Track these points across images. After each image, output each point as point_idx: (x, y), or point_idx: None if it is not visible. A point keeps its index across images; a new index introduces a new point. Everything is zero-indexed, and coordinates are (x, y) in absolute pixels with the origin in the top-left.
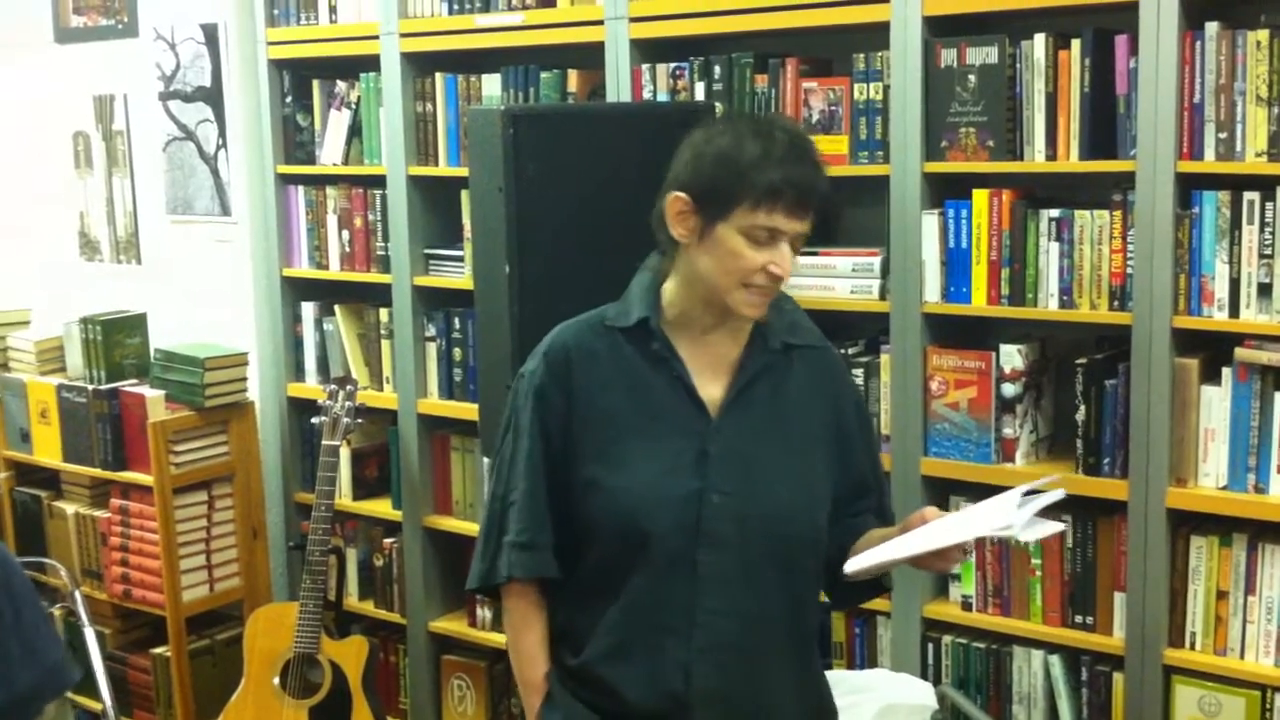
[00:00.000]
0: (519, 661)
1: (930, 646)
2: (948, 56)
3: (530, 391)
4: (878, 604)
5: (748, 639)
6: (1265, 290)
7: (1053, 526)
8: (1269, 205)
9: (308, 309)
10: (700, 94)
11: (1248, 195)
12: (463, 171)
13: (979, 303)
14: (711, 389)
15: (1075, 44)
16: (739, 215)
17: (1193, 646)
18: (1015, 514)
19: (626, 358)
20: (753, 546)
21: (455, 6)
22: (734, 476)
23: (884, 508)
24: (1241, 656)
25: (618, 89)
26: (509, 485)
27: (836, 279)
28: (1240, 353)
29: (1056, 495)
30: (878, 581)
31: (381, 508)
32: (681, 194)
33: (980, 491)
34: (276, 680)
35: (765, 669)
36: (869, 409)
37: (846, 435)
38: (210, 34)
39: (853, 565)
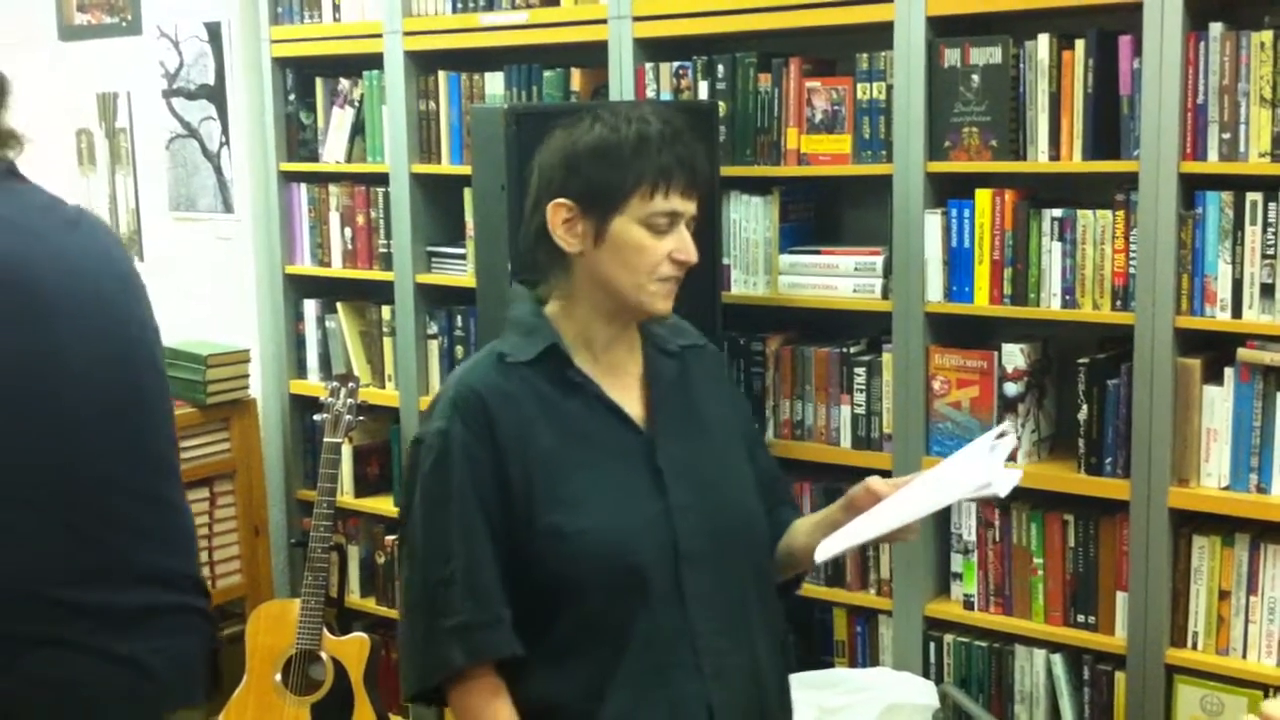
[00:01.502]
0: None
1: (932, 645)
2: (951, 56)
3: (451, 454)
4: (879, 603)
5: (742, 653)
6: (1268, 291)
7: (1016, 474)
8: (1272, 206)
9: (310, 306)
10: (704, 93)
11: (1251, 196)
12: (465, 170)
13: (981, 302)
14: (630, 405)
15: (1079, 44)
16: (635, 205)
17: (1195, 646)
18: (991, 469)
19: (541, 391)
20: (724, 556)
21: (459, 5)
22: (691, 488)
23: (791, 495)
24: (1244, 656)
25: (621, 88)
26: (432, 565)
27: (839, 278)
28: (1243, 353)
29: (1013, 441)
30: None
31: (383, 505)
32: (564, 200)
33: None
34: (278, 677)
35: (760, 678)
36: (870, 409)
37: (748, 428)
38: (214, 32)
39: (825, 551)
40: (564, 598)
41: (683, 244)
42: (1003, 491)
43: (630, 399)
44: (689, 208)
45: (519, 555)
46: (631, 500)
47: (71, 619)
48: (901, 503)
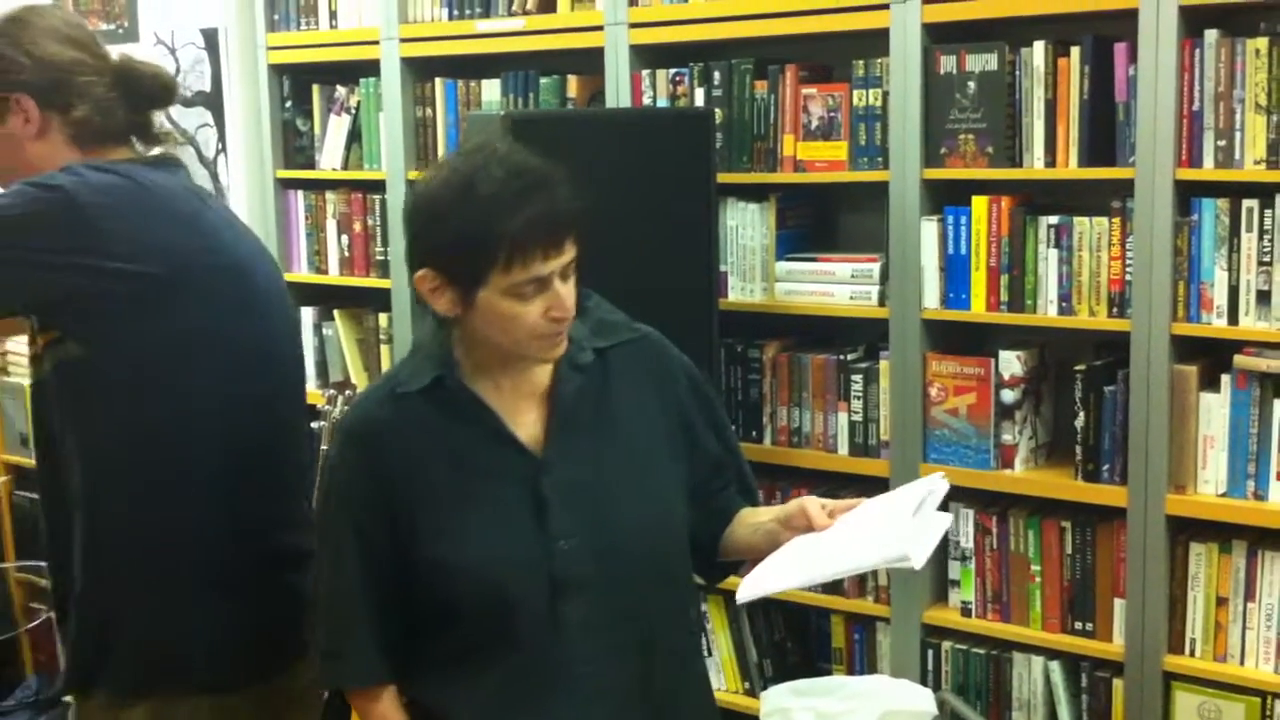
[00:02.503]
0: None
1: (930, 652)
2: (947, 63)
3: (336, 481)
4: (877, 609)
5: (633, 678)
6: (1264, 297)
7: (943, 522)
8: (1268, 213)
9: (307, 313)
10: (700, 100)
11: (1246, 203)
12: None
13: (978, 309)
14: (531, 428)
15: (1075, 51)
16: (495, 279)
17: (1192, 653)
18: (908, 539)
19: (431, 421)
20: (618, 579)
21: (455, 12)
22: (575, 516)
23: (744, 475)
24: (1241, 663)
25: (617, 94)
26: (319, 583)
27: (836, 285)
28: (1239, 360)
29: (944, 487)
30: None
31: None
32: (426, 271)
33: (980, 499)
34: None
35: (656, 696)
36: (867, 415)
37: (688, 417)
38: (210, 39)
39: (746, 594)
40: (448, 621)
41: (556, 301)
42: (919, 564)
43: (529, 421)
44: (556, 264)
45: (408, 579)
46: (510, 532)
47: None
48: (823, 552)
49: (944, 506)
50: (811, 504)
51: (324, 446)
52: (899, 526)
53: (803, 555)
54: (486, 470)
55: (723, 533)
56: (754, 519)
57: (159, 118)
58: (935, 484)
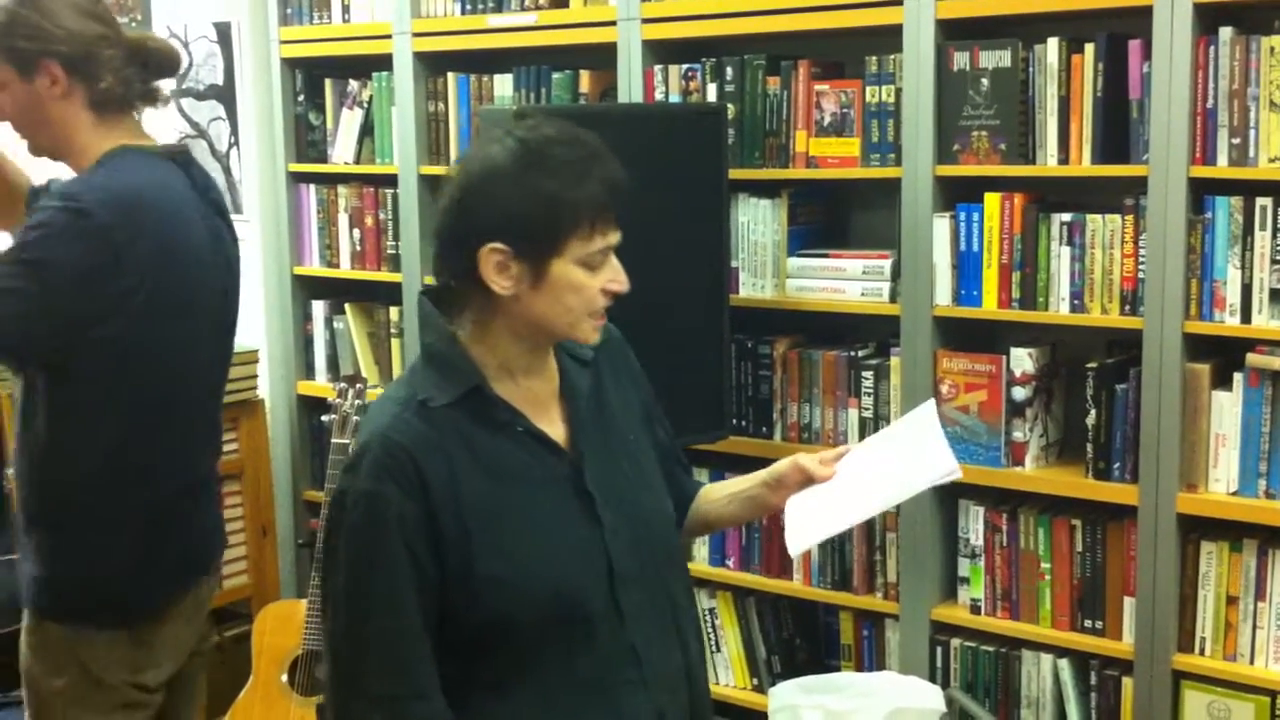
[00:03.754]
0: None
1: (939, 650)
2: (960, 60)
3: (384, 519)
4: (886, 606)
5: (675, 656)
6: (1277, 296)
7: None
8: None
9: (318, 307)
10: (712, 95)
11: (1260, 201)
12: None
13: (990, 306)
14: (554, 426)
15: (1088, 48)
16: (574, 247)
17: (1202, 652)
18: (939, 456)
19: (466, 434)
20: (651, 568)
21: (468, 6)
22: (616, 507)
23: (684, 460)
24: (1251, 662)
25: (630, 90)
26: (366, 630)
27: (847, 281)
28: (1252, 358)
29: (929, 409)
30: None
31: None
32: (498, 244)
33: (991, 496)
34: (285, 677)
35: (693, 676)
36: (877, 412)
37: (649, 410)
38: (223, 32)
39: (800, 546)
40: (505, 636)
41: (616, 274)
42: (957, 471)
43: (551, 419)
44: (618, 237)
45: (456, 600)
46: (566, 535)
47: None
48: (859, 485)
49: (959, 510)
50: (806, 459)
51: (334, 440)
52: (935, 447)
53: (833, 501)
54: (527, 476)
55: (685, 517)
56: (725, 491)
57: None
58: (923, 411)
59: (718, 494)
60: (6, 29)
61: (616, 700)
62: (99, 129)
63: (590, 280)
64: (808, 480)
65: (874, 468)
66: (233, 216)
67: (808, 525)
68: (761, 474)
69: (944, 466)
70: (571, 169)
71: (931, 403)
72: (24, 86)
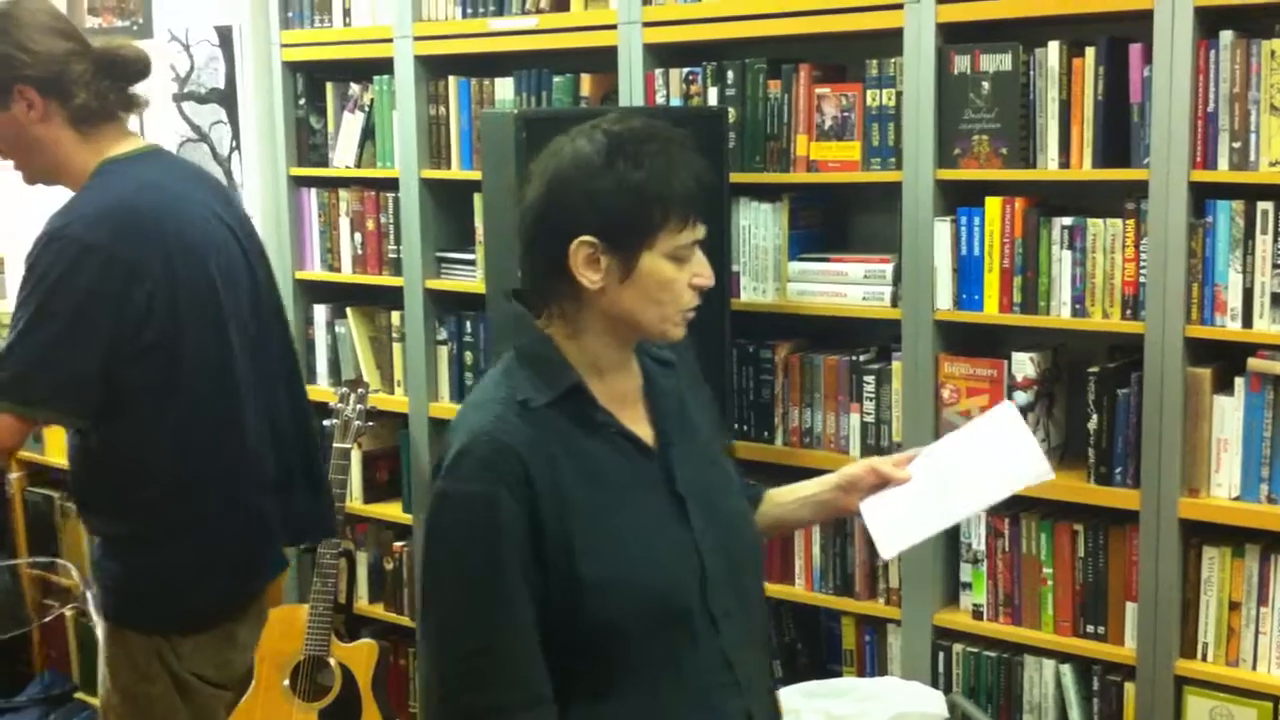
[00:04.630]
0: None
1: (941, 655)
2: (961, 63)
3: (494, 523)
4: (888, 612)
5: (759, 657)
6: (1279, 300)
7: (1023, 434)
8: None
9: (319, 311)
10: (713, 99)
11: (1261, 205)
12: (475, 175)
13: (991, 310)
14: (640, 427)
15: (1089, 52)
16: (664, 240)
17: (1204, 657)
18: (1040, 452)
19: (563, 434)
20: (738, 570)
21: (469, 10)
22: (705, 510)
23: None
24: (1254, 668)
25: (631, 93)
26: (478, 638)
27: (848, 285)
28: (1253, 363)
29: (1008, 412)
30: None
31: (392, 511)
32: (589, 238)
33: None
34: (286, 683)
35: (768, 680)
36: (879, 417)
37: (715, 414)
38: (224, 36)
39: (893, 549)
40: (608, 642)
41: (703, 268)
42: (1050, 473)
43: (637, 419)
44: (704, 231)
45: (559, 607)
46: (664, 537)
47: None
48: (944, 487)
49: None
50: (880, 461)
51: (335, 444)
52: (1007, 451)
53: (918, 504)
54: (622, 478)
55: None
56: (795, 494)
57: (140, 90)
58: (1002, 411)
59: (787, 497)
60: None
61: (715, 703)
62: (85, 144)
63: (678, 274)
64: (882, 483)
65: (958, 470)
66: None
67: (897, 529)
68: (833, 477)
69: (1036, 468)
70: (660, 161)
71: (1010, 404)
72: (3, 115)
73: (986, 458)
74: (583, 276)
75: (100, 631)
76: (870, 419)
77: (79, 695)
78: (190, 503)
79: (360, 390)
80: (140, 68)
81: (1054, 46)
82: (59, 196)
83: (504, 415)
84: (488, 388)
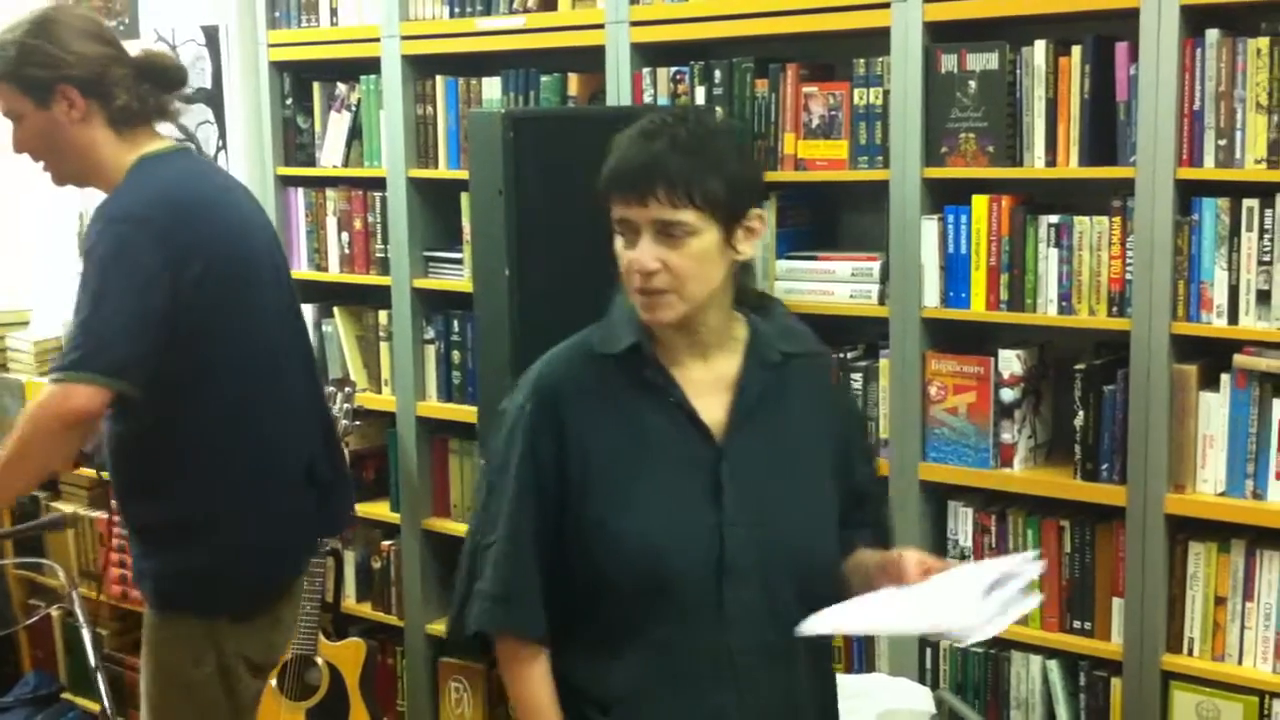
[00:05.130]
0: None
1: (928, 651)
2: (948, 62)
3: (519, 431)
4: None
5: (779, 675)
6: (1264, 297)
7: (1022, 605)
8: (1268, 212)
9: (307, 310)
10: (701, 98)
11: (1247, 202)
12: (463, 174)
13: (978, 308)
14: (713, 411)
15: (1076, 50)
16: (614, 211)
17: (1191, 652)
18: (982, 613)
19: (620, 388)
20: (775, 578)
21: (456, 9)
22: (750, 505)
23: (880, 519)
24: (1240, 662)
25: (618, 93)
26: (486, 528)
27: (836, 283)
28: (1239, 359)
29: (1036, 569)
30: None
31: (380, 510)
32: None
33: (979, 498)
34: (274, 682)
35: (796, 704)
36: (866, 414)
37: (845, 443)
38: (211, 36)
39: (810, 625)
40: (603, 594)
41: (636, 253)
42: (971, 640)
43: (713, 405)
44: (641, 214)
45: (570, 543)
46: (683, 510)
47: None
48: (896, 606)
49: (947, 512)
50: (910, 558)
51: None
52: (970, 599)
53: (879, 605)
54: (665, 444)
55: (843, 564)
56: (862, 558)
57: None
58: (1028, 564)
59: (857, 559)
60: (18, 61)
61: (700, 690)
62: (121, 145)
63: (623, 254)
64: (900, 576)
65: (939, 593)
66: None
67: (837, 614)
68: (880, 554)
69: (955, 624)
70: (621, 140)
71: (1038, 566)
72: (42, 115)
73: (960, 592)
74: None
75: (147, 620)
76: None
77: (66, 695)
78: (244, 485)
79: (347, 389)
80: (178, 76)
81: (1040, 45)
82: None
83: (565, 356)
84: (580, 333)
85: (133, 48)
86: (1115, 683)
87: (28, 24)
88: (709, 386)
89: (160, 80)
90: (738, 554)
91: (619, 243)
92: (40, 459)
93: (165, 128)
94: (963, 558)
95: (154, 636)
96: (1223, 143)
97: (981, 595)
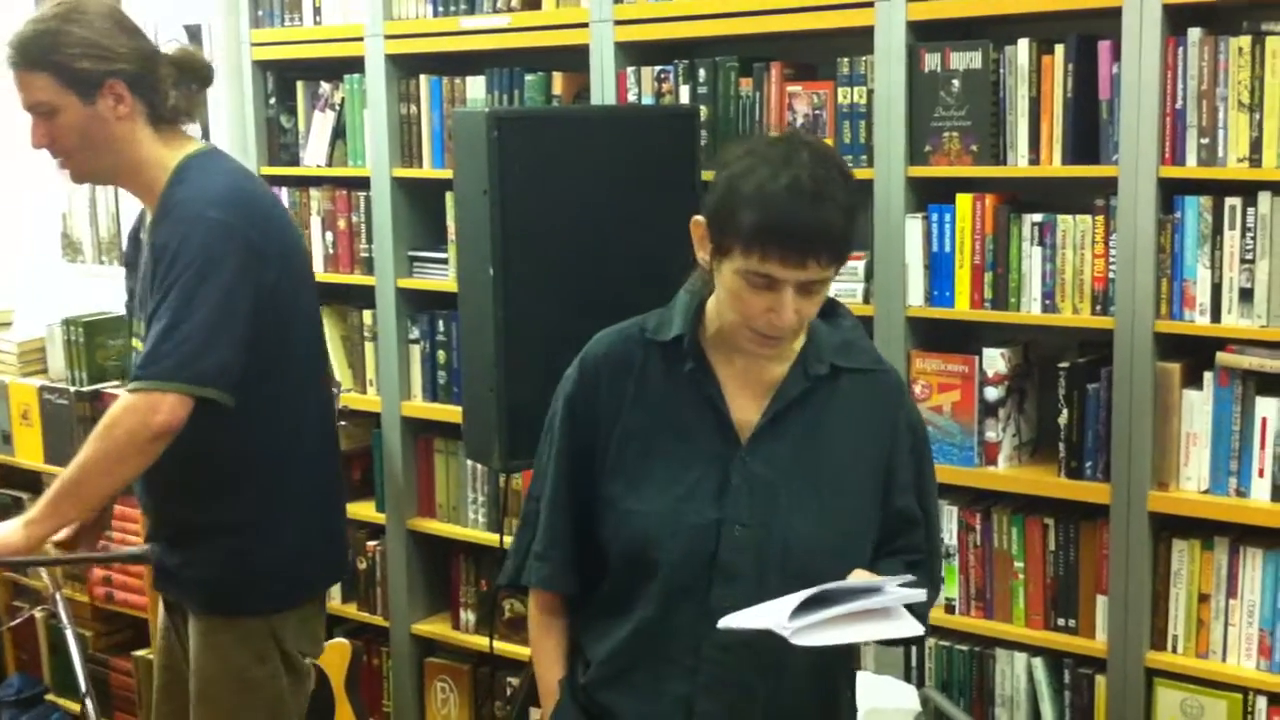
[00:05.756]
0: (537, 662)
1: (914, 649)
2: (931, 61)
3: (563, 400)
4: None
5: (760, 681)
6: (1247, 295)
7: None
8: (1250, 210)
9: None
10: (685, 97)
11: (1229, 201)
12: (447, 174)
13: (962, 307)
14: (747, 412)
15: (1059, 49)
16: (735, 257)
17: (1175, 649)
18: (784, 617)
19: (659, 373)
20: (770, 582)
21: (440, 8)
22: (756, 508)
23: (928, 556)
24: (1223, 659)
25: (603, 92)
26: (537, 489)
27: None
28: (1222, 357)
29: (912, 595)
30: (922, 616)
31: (365, 510)
32: (702, 219)
33: (964, 496)
34: None
35: (781, 711)
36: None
37: (894, 465)
38: (194, 35)
39: (724, 622)
40: (604, 563)
41: (779, 306)
42: (796, 640)
43: (750, 405)
44: (794, 275)
45: (591, 510)
46: (686, 503)
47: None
48: (779, 606)
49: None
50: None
51: None
52: (784, 608)
53: (774, 606)
54: (689, 435)
55: None
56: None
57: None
58: (904, 591)
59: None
60: (58, 48)
61: (658, 677)
62: (160, 145)
63: (748, 295)
64: None
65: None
66: None
67: (761, 609)
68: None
69: (774, 619)
70: (762, 194)
71: (915, 593)
72: (85, 110)
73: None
74: (698, 249)
75: (193, 627)
76: None
77: (50, 697)
78: (297, 481)
79: (332, 390)
80: (209, 74)
81: (1024, 44)
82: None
83: (615, 335)
84: (638, 316)
85: None
86: (1100, 680)
87: (65, 10)
88: (751, 386)
89: (198, 78)
90: (732, 552)
91: (738, 283)
92: (128, 471)
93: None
94: (947, 556)
95: (212, 640)
96: (1205, 141)
97: (787, 614)
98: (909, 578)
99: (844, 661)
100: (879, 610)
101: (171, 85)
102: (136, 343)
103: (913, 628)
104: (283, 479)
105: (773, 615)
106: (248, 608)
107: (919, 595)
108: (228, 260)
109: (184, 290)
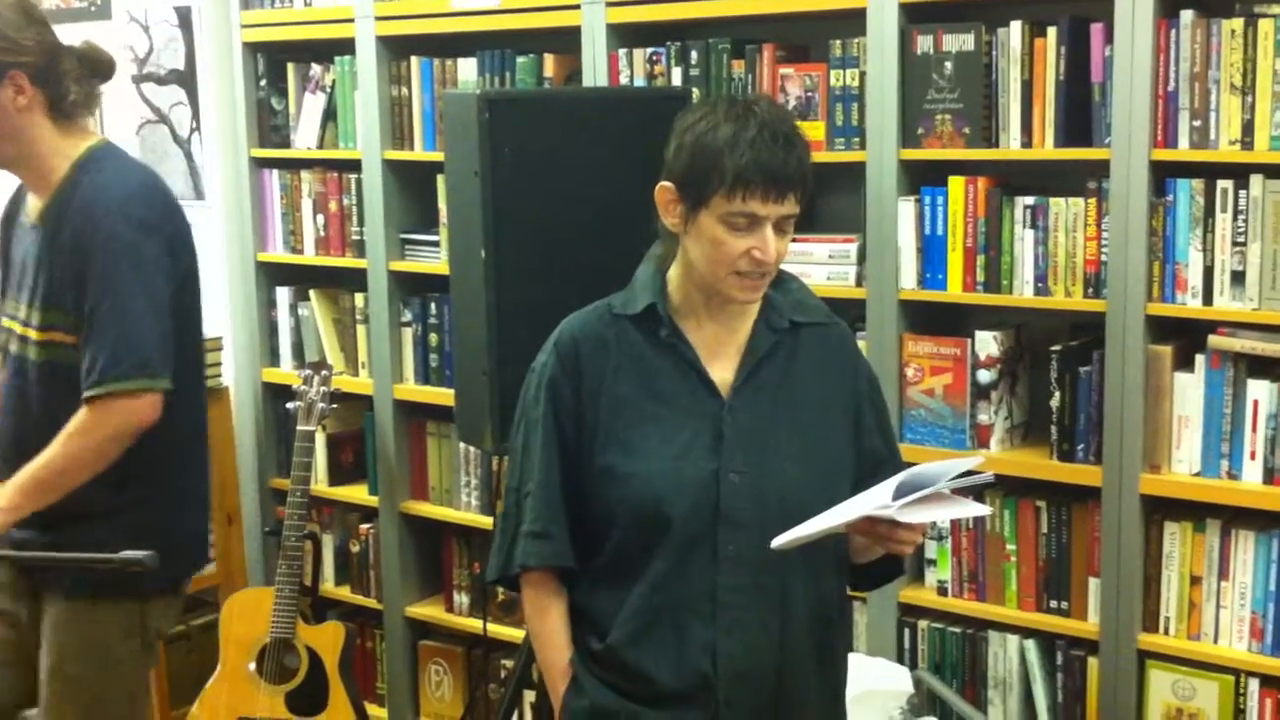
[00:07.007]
0: (541, 647)
1: (906, 631)
2: (924, 43)
3: (541, 384)
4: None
5: (771, 618)
6: (1238, 278)
7: (954, 511)
8: (1242, 193)
9: (282, 294)
10: (677, 79)
11: (1221, 183)
12: (438, 156)
13: (955, 289)
14: (722, 371)
15: (1051, 32)
16: (716, 203)
17: (1167, 631)
18: (889, 499)
19: (635, 344)
20: (771, 525)
21: None
22: (749, 456)
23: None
24: (1215, 641)
25: (594, 74)
26: (524, 476)
27: (813, 265)
28: (1214, 340)
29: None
30: (897, 564)
31: (358, 493)
32: (667, 184)
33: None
34: (252, 666)
35: (789, 648)
36: None
37: (860, 411)
38: (184, 16)
39: (780, 539)
40: (611, 532)
41: (761, 244)
42: (902, 517)
43: (724, 365)
44: (772, 210)
45: (584, 485)
46: (685, 458)
47: None
48: (849, 503)
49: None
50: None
51: (300, 427)
52: (884, 492)
53: (832, 514)
54: (674, 398)
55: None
56: None
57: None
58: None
59: None
60: None
61: (680, 624)
62: (60, 136)
63: (730, 239)
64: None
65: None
66: (195, 202)
67: (799, 526)
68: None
69: (879, 500)
70: (735, 136)
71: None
72: None
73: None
74: (664, 216)
75: (58, 609)
76: None
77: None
78: (185, 464)
79: (324, 373)
80: (111, 69)
81: (1016, 26)
82: None
83: (585, 316)
84: (602, 299)
85: (104, 29)
86: (1092, 662)
87: None
88: (721, 348)
89: (100, 71)
90: (733, 500)
91: (719, 230)
92: (102, 465)
93: (131, 112)
94: (940, 538)
95: (83, 620)
96: (1197, 124)
97: (890, 495)
98: (977, 459)
99: (836, 601)
100: (954, 496)
101: (74, 80)
102: (10, 323)
103: (982, 509)
104: (176, 466)
105: (873, 500)
106: (129, 589)
107: (988, 478)
108: (146, 252)
109: (117, 285)
